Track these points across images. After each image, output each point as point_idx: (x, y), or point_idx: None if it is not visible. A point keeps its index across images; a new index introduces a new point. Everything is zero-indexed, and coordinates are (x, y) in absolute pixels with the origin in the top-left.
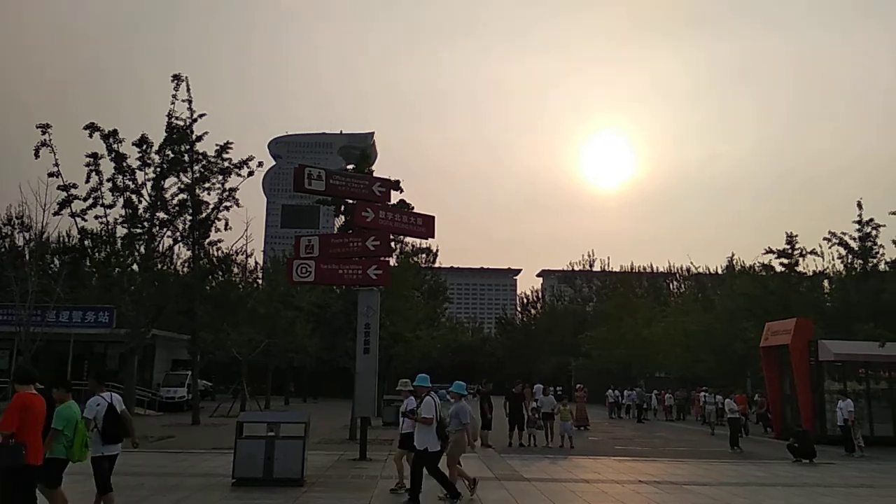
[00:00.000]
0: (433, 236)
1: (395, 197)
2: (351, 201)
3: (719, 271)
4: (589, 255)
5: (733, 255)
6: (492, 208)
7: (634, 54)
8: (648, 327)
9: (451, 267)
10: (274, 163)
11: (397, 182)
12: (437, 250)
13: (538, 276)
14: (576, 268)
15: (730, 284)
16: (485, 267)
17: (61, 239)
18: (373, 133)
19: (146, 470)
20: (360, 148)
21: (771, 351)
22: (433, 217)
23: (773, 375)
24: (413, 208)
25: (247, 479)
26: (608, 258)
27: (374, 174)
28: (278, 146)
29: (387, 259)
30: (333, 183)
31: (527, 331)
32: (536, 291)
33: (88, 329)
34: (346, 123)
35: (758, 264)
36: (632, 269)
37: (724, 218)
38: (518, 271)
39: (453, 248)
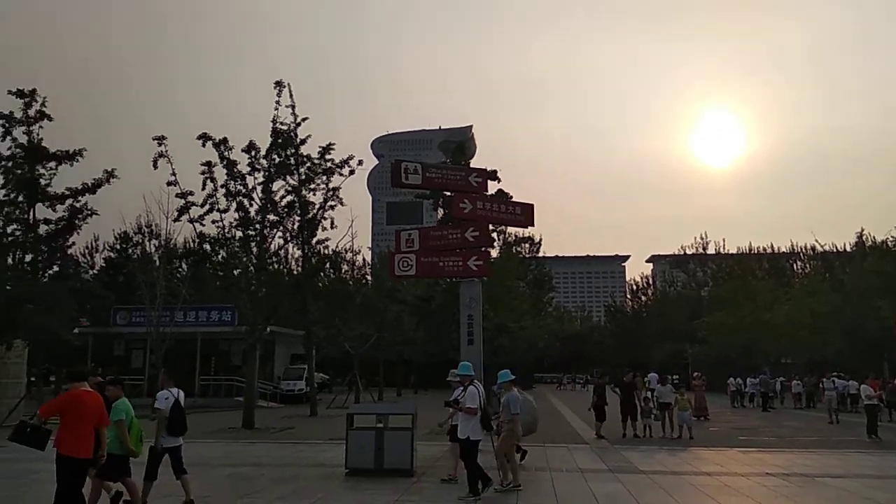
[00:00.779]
0: (533, 224)
1: (492, 187)
2: (448, 193)
3: (848, 248)
4: (702, 238)
5: (863, 230)
6: (598, 195)
7: (746, 23)
8: (770, 311)
9: (557, 256)
10: (377, 162)
11: (494, 172)
12: (541, 239)
13: (648, 261)
14: (688, 251)
15: (860, 262)
16: (591, 254)
17: (186, 244)
18: (471, 126)
19: (267, 460)
20: (459, 142)
21: None
22: (532, 205)
23: None
24: (511, 197)
25: (359, 469)
26: (723, 240)
27: (485, 167)
28: (380, 145)
29: (487, 249)
30: (430, 176)
31: (637, 318)
32: (646, 277)
33: (213, 327)
34: (445, 119)
35: (891, 239)
36: (750, 250)
37: (850, 193)
38: (626, 258)
39: (559, 237)
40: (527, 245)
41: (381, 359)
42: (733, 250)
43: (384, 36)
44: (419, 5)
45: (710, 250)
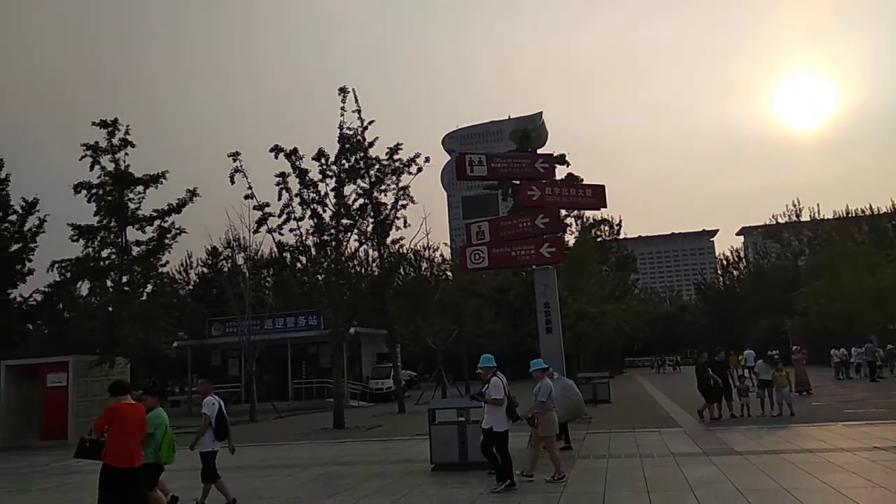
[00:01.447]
0: (605, 206)
1: (562, 172)
2: (517, 182)
3: None
4: (795, 205)
5: None
6: (682, 170)
7: None
8: (873, 275)
9: (640, 236)
10: (449, 157)
11: (562, 156)
12: (621, 221)
13: (738, 234)
14: (780, 220)
15: None
16: (676, 232)
17: (272, 253)
18: (541, 113)
19: (355, 458)
20: (529, 130)
21: None
22: (603, 186)
23: None
24: (582, 181)
25: (444, 463)
26: (818, 205)
27: (553, 152)
28: (451, 141)
29: (559, 235)
30: (495, 166)
31: (730, 294)
32: (737, 251)
33: (301, 332)
34: (513, 108)
35: None
36: (847, 213)
37: None
38: (714, 232)
39: (643, 218)
40: (606, 228)
41: (465, 352)
42: (829, 215)
43: (451, 29)
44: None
45: (805, 217)
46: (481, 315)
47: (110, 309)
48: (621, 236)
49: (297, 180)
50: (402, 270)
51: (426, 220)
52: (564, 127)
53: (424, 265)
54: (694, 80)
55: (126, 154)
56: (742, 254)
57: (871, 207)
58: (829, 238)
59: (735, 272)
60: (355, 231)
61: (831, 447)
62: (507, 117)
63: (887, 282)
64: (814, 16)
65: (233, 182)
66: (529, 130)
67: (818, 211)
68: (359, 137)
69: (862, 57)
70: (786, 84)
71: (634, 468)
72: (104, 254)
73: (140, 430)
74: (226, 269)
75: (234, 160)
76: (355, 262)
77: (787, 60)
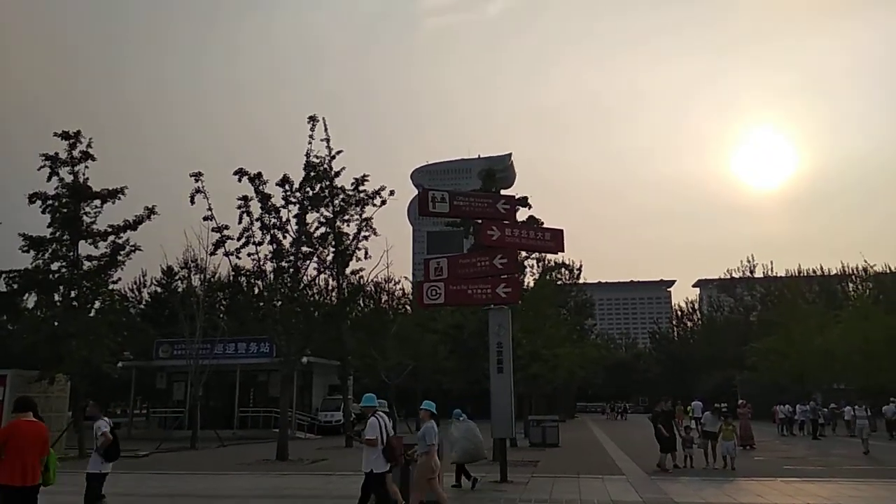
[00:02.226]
0: (563, 250)
1: (524, 214)
2: (478, 221)
3: None
4: (749, 261)
5: None
6: (643, 220)
7: (781, 45)
8: (821, 334)
9: (599, 282)
10: (417, 192)
11: (524, 198)
12: (581, 266)
13: (694, 286)
14: (735, 275)
15: None
16: (636, 280)
17: (229, 276)
18: (510, 154)
19: (294, 492)
20: (497, 170)
21: None
22: (561, 231)
23: None
24: (542, 223)
25: None
26: (771, 262)
27: (515, 194)
28: (420, 175)
29: (517, 276)
30: (457, 204)
31: (684, 344)
32: (692, 303)
33: (252, 359)
34: (484, 147)
35: None
36: (799, 272)
37: None
38: (672, 282)
39: (604, 264)
40: (567, 271)
41: (420, 388)
42: (782, 273)
43: (432, 66)
44: (466, 33)
45: (759, 273)
46: (436, 351)
47: (56, 323)
48: (581, 281)
49: (259, 205)
50: (361, 302)
51: (388, 253)
52: (533, 170)
53: (385, 297)
54: (658, 132)
55: (86, 167)
56: (696, 305)
57: (821, 268)
58: (781, 295)
59: (689, 323)
60: (315, 259)
61: (767, 502)
62: (476, 156)
63: (835, 342)
64: (775, 76)
65: (193, 202)
66: (496, 170)
67: (771, 268)
68: (325, 166)
69: (824, 121)
70: (748, 141)
71: None
72: (54, 266)
73: (38, 449)
74: (180, 289)
75: (197, 180)
76: (313, 291)
77: (750, 118)
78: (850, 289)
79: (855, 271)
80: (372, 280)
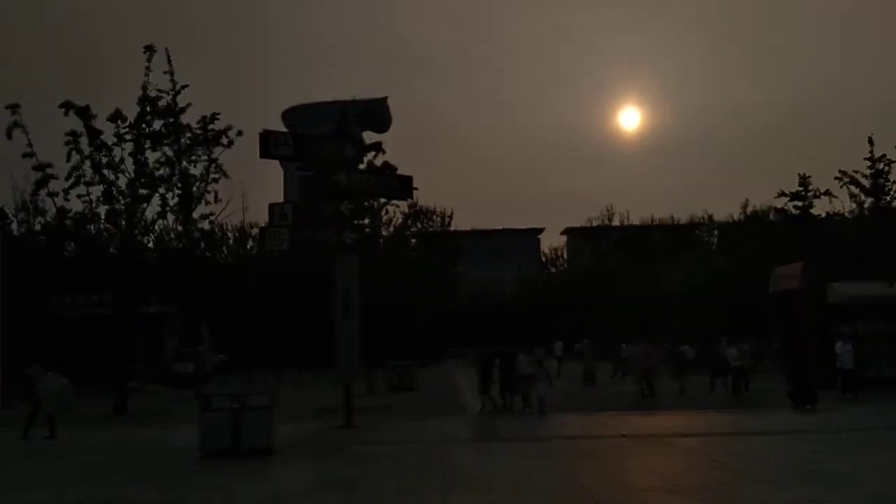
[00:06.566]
0: (411, 196)
1: (379, 159)
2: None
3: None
4: (608, 210)
5: (747, 201)
6: (517, 168)
7: None
8: (667, 279)
9: (473, 229)
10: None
11: (378, 144)
12: (452, 213)
13: (563, 233)
14: (594, 223)
15: (745, 230)
16: (508, 227)
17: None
18: (386, 97)
19: (125, 446)
20: (377, 112)
21: (780, 296)
22: (410, 177)
23: (783, 323)
24: (397, 170)
25: (214, 450)
26: (627, 211)
27: (388, 138)
28: (291, 116)
29: (362, 223)
30: (300, 146)
31: (547, 291)
32: (556, 250)
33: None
34: (361, 88)
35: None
36: (652, 220)
37: (748, 165)
38: (541, 230)
39: (481, 212)
40: (438, 219)
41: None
42: (637, 221)
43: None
44: None
45: (616, 221)
46: None
47: None
48: (452, 228)
49: (87, 142)
50: (224, 249)
51: (245, 197)
52: (411, 115)
53: (250, 244)
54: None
55: None
56: (560, 252)
57: (672, 217)
58: (633, 241)
59: (552, 269)
60: (158, 201)
61: (587, 434)
62: (351, 98)
63: (680, 287)
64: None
65: (10, 137)
66: (351, 113)
67: (628, 217)
68: (168, 101)
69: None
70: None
71: (401, 453)
72: None
73: None
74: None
75: (13, 113)
76: (152, 236)
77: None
78: (703, 236)
79: (702, 219)
80: (228, 226)
